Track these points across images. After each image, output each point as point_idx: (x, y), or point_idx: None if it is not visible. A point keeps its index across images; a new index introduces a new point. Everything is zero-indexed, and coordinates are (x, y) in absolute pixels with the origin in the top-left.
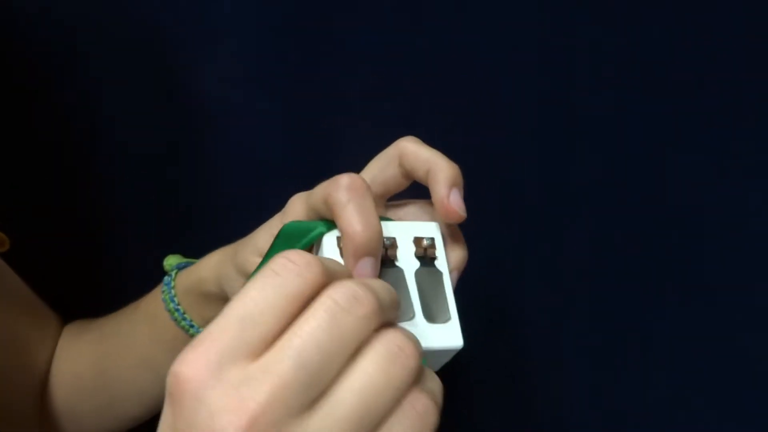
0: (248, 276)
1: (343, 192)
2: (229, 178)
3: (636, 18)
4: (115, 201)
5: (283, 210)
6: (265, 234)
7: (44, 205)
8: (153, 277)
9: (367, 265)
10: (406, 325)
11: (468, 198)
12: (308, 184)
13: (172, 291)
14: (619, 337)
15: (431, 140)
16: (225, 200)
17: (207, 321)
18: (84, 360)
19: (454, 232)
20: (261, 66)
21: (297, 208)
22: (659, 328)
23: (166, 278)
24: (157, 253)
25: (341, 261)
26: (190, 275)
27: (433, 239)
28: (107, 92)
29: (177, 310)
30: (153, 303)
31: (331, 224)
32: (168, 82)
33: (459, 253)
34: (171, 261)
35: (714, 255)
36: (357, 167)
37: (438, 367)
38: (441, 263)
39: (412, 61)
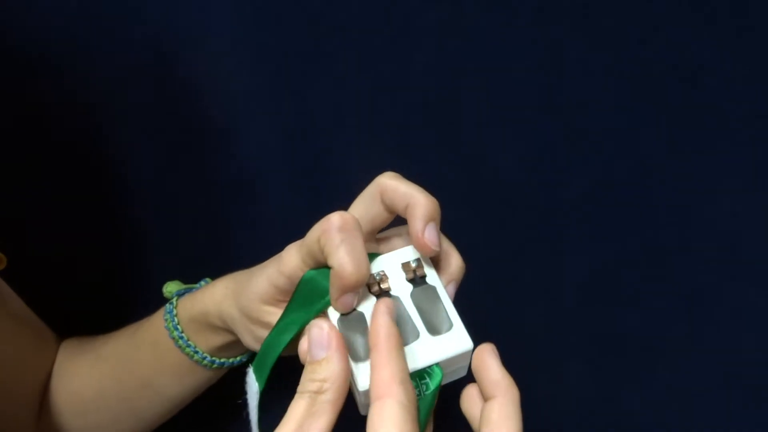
0: (248, 332)
1: (335, 232)
2: (227, 190)
3: (635, 20)
4: (113, 214)
5: (279, 257)
6: (264, 283)
7: (41, 222)
8: (151, 290)
9: (350, 298)
10: (414, 345)
11: (466, 204)
12: (305, 194)
13: (175, 319)
14: (619, 341)
15: (429, 149)
16: (224, 212)
17: (212, 347)
18: (82, 379)
19: (446, 245)
20: (261, 79)
21: (292, 257)
22: (659, 330)
23: (167, 306)
24: (155, 264)
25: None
26: (195, 305)
27: (418, 259)
28: (106, 101)
29: (181, 337)
30: (154, 329)
31: None
32: (168, 96)
33: (454, 264)
34: (170, 288)
35: (715, 257)
36: (355, 175)
37: (461, 373)
38: (432, 278)
39: (410, 69)
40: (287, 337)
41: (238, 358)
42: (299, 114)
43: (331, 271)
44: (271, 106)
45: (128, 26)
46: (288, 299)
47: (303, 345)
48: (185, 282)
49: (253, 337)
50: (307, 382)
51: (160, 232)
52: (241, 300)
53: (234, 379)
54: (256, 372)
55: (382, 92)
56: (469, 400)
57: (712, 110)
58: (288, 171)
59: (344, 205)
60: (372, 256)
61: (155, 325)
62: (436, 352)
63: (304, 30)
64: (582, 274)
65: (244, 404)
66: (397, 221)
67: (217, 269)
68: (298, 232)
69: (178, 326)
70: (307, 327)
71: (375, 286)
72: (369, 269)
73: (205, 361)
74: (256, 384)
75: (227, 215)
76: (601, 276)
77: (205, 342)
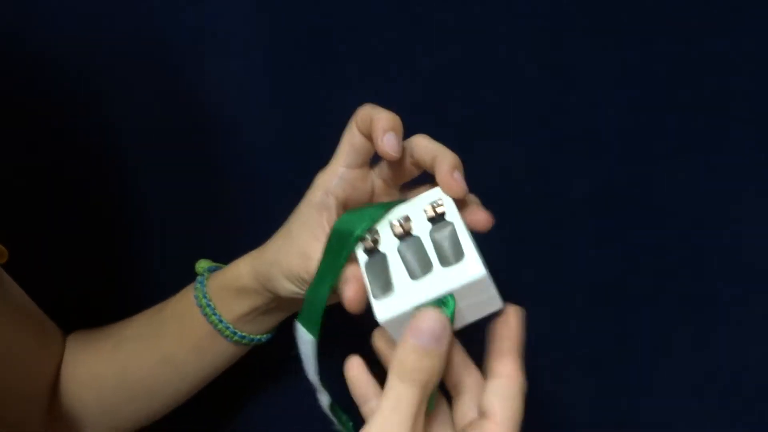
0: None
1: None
2: (231, 189)
3: (640, 20)
4: (117, 209)
5: (308, 194)
6: (304, 234)
7: (43, 215)
8: (152, 286)
9: (393, 137)
10: (427, 277)
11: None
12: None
13: (204, 288)
14: (623, 343)
15: None
16: (228, 210)
17: (238, 316)
18: (103, 360)
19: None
20: (266, 79)
21: (318, 186)
22: (659, 333)
23: (199, 277)
24: (157, 260)
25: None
26: (225, 274)
27: (438, 198)
28: (110, 104)
29: (208, 305)
30: (181, 304)
31: (382, 207)
32: (172, 96)
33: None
34: (203, 264)
35: (715, 259)
36: None
37: (494, 304)
38: (451, 214)
39: (414, 71)
40: (326, 289)
41: (259, 337)
42: (303, 114)
43: (373, 122)
44: (275, 106)
45: (133, 26)
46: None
47: (348, 292)
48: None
49: (288, 279)
50: (416, 371)
51: (163, 230)
52: (282, 262)
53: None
54: (305, 325)
55: (386, 93)
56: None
57: (718, 112)
58: (292, 170)
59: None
60: (397, 202)
61: (183, 299)
62: (447, 282)
63: (308, 31)
64: (586, 276)
65: (297, 358)
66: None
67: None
68: None
69: (207, 294)
70: (422, 311)
71: (398, 228)
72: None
73: (227, 331)
74: (309, 335)
75: (231, 213)
76: (606, 278)
77: (231, 311)
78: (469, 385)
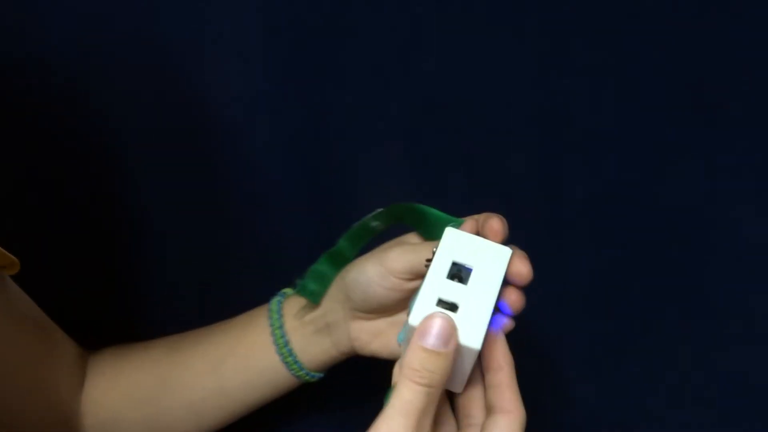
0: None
1: None
2: (234, 192)
3: (640, 21)
4: (117, 210)
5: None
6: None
7: (42, 215)
8: (154, 290)
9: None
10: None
11: (471, 207)
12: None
13: (281, 310)
14: (619, 343)
15: (435, 152)
16: (231, 212)
17: (316, 360)
18: (151, 376)
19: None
20: (265, 79)
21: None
22: (660, 334)
23: (277, 297)
24: (159, 265)
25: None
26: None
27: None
28: (110, 104)
29: (283, 337)
30: (249, 329)
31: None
32: (175, 99)
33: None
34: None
35: (716, 259)
36: (361, 177)
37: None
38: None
39: (416, 73)
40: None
41: (315, 373)
42: (306, 116)
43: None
44: (278, 109)
45: (133, 27)
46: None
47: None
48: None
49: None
50: (425, 372)
51: (163, 230)
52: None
53: None
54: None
55: (386, 94)
56: (472, 401)
57: (718, 112)
58: (294, 173)
59: (347, 205)
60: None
61: (251, 324)
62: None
63: (309, 31)
64: (586, 277)
65: None
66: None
67: (220, 268)
68: (304, 234)
69: (284, 326)
70: (429, 316)
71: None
72: None
73: (295, 366)
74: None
75: (231, 213)
76: (606, 278)
77: (300, 343)
78: (476, 415)
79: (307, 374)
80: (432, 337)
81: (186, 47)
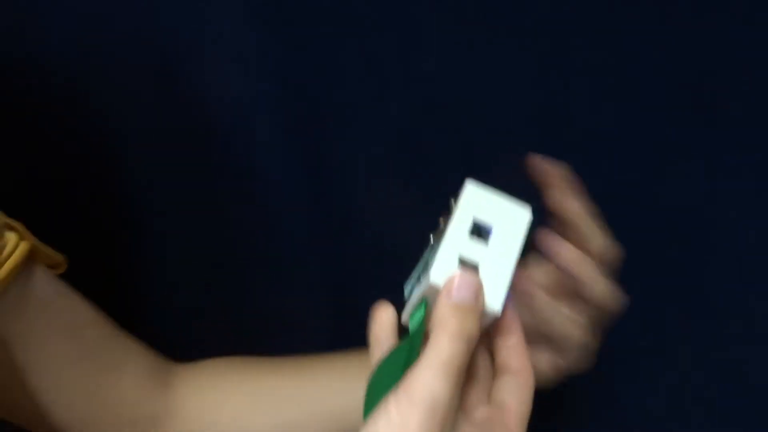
0: None
1: None
2: (232, 190)
3: (640, 21)
4: (116, 210)
5: None
6: None
7: (42, 215)
8: (154, 291)
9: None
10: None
11: None
12: (310, 194)
13: None
14: (620, 343)
15: (434, 150)
16: (229, 211)
17: None
18: (279, 377)
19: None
20: (265, 79)
21: None
22: (660, 333)
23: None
24: (158, 264)
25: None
26: None
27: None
28: (109, 104)
29: None
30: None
31: None
32: (172, 97)
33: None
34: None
35: (716, 259)
36: (360, 175)
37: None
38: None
39: (415, 71)
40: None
41: None
42: (306, 117)
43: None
44: (277, 109)
45: (133, 27)
46: None
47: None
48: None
49: None
50: (462, 327)
51: (163, 230)
52: None
53: None
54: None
55: (385, 94)
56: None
57: (718, 112)
58: (295, 173)
59: (347, 205)
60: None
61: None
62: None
63: (308, 32)
64: None
65: None
66: None
67: (220, 268)
68: (304, 233)
69: None
70: (452, 276)
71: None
72: None
73: None
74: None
75: (231, 213)
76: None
77: None
78: (483, 374)
79: None
80: (463, 291)
81: (186, 47)
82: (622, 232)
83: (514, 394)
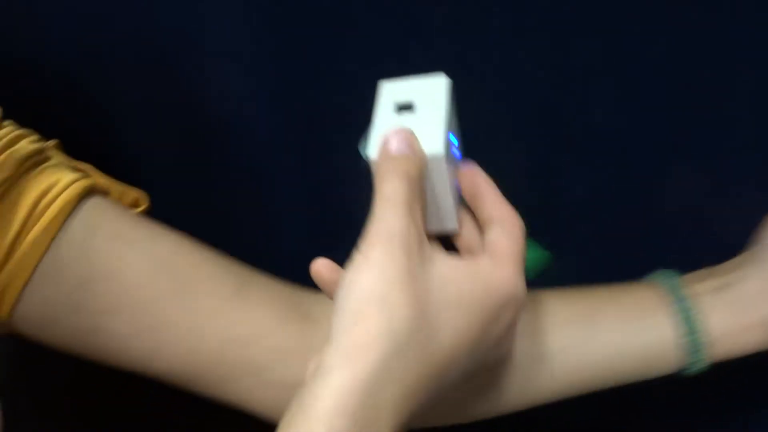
0: None
1: None
2: (233, 188)
3: (639, 20)
4: None
5: None
6: None
7: None
8: None
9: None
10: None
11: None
12: (310, 192)
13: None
14: None
15: None
16: (230, 209)
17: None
18: None
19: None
20: (264, 77)
21: None
22: None
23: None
24: None
25: None
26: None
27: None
28: (109, 103)
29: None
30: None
31: None
32: (172, 94)
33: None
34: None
35: (715, 260)
36: (362, 178)
37: (439, 225)
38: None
39: (414, 69)
40: None
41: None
42: (305, 116)
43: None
44: (277, 109)
45: (135, 28)
46: None
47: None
48: None
49: None
50: (396, 167)
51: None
52: None
53: None
54: None
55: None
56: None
57: (718, 112)
58: (295, 173)
59: (347, 205)
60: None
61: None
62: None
63: (307, 30)
64: (586, 276)
65: None
66: None
67: None
68: (305, 231)
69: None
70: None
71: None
72: None
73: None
74: None
75: (231, 212)
76: (606, 278)
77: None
78: (467, 224)
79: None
80: (395, 143)
81: (186, 47)
82: (621, 232)
83: (504, 236)
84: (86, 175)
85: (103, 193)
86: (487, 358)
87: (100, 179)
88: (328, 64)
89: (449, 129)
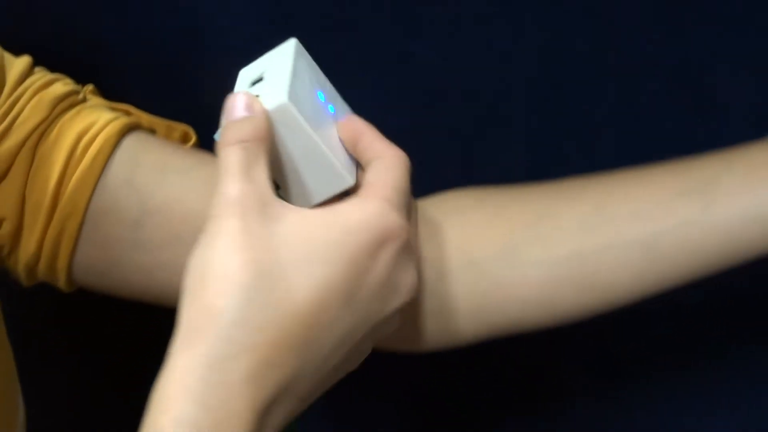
0: None
1: None
2: None
3: (639, 19)
4: None
5: None
6: None
7: None
8: None
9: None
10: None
11: None
12: None
13: None
14: (619, 343)
15: (433, 147)
16: None
17: None
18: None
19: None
20: None
21: None
22: (659, 333)
23: None
24: None
25: None
26: None
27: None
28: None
29: None
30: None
31: None
32: (172, 95)
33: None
34: None
35: None
36: None
37: (331, 189)
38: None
39: (414, 68)
40: None
41: None
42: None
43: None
44: None
45: (135, 28)
46: None
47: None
48: None
49: None
50: (234, 131)
51: None
52: None
53: None
54: None
55: (384, 90)
56: None
57: (718, 112)
58: None
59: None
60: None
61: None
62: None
63: (307, 28)
64: None
65: None
66: None
67: None
68: None
69: None
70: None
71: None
72: None
73: None
74: None
75: None
76: None
77: None
78: None
79: None
80: (234, 111)
81: (186, 46)
82: None
83: (379, 171)
84: (127, 114)
85: (148, 130)
86: (385, 307)
87: (144, 116)
88: (329, 64)
89: (312, 87)
